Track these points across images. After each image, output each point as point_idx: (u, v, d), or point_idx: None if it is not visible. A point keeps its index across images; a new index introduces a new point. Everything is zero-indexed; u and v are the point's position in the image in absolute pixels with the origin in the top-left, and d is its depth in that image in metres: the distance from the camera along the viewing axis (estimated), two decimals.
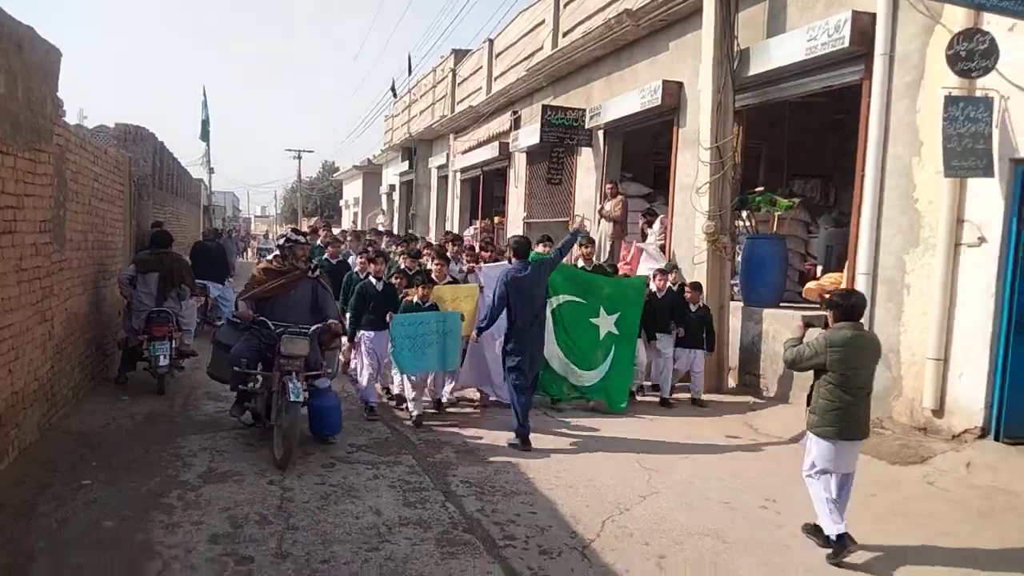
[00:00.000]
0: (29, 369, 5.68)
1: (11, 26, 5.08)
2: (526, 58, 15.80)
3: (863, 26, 7.22)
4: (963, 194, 6.37)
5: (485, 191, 19.25)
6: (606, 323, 7.99)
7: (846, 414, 4.37)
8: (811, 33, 7.76)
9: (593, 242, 9.19)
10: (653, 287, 8.40)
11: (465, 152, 19.71)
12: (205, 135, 28.59)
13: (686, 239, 9.82)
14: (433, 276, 7.71)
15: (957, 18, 6.22)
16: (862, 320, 4.63)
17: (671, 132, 10.69)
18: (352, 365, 8.09)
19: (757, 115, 9.98)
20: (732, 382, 9.02)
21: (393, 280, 7.72)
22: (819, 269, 10.47)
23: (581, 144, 13.10)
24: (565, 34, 13.98)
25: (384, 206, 31.87)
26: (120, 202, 9.12)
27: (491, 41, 19.07)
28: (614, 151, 12.69)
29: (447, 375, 7.70)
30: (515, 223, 16.38)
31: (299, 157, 52.38)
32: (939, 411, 6.46)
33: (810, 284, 9.64)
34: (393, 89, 26.63)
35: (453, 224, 21.59)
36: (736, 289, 9.36)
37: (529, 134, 14.20)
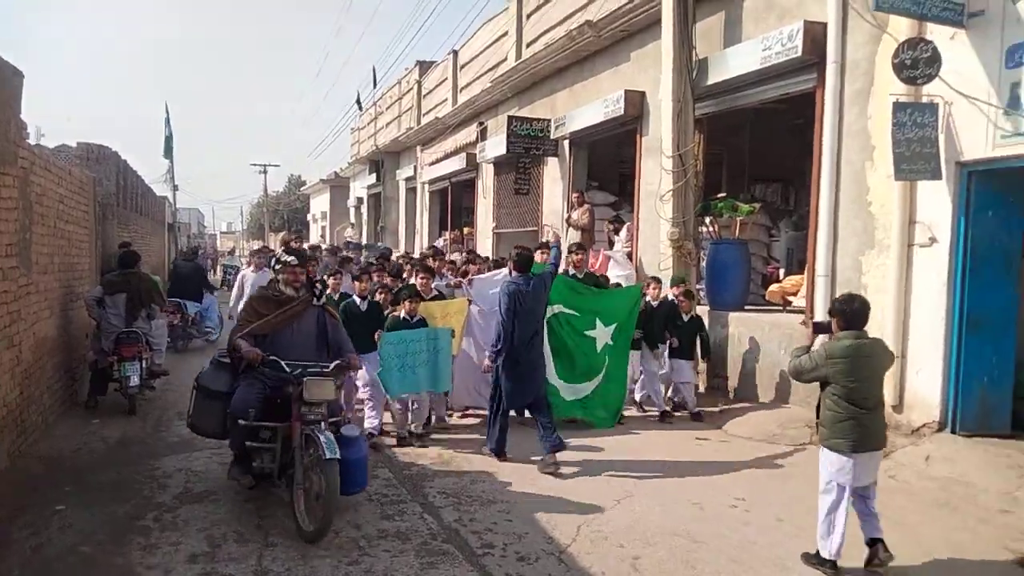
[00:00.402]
0: None
1: None
2: (491, 69, 15.92)
3: (815, 35, 7.46)
4: (914, 196, 6.61)
5: (454, 202, 19.27)
6: (603, 335, 7.78)
7: (857, 425, 4.19)
8: (766, 43, 7.99)
9: (585, 249, 9.02)
10: (648, 296, 8.27)
11: (433, 164, 19.73)
12: (168, 152, 28.16)
13: (652, 246, 10.00)
14: (419, 290, 7.43)
15: (902, 27, 6.47)
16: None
17: (635, 141, 10.85)
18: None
19: (718, 122, 10.19)
20: (701, 385, 9.18)
21: (378, 297, 7.43)
22: (782, 272, 10.75)
23: (547, 154, 13.26)
24: (528, 45, 14.15)
25: (352, 219, 31.74)
26: (85, 223, 9.05)
27: (455, 52, 19.13)
28: (580, 160, 12.84)
29: (434, 396, 7.37)
30: (484, 234, 16.47)
31: (265, 171, 51.88)
32: (899, 406, 6.68)
33: (772, 287, 9.90)
34: (359, 102, 26.65)
35: (423, 236, 21.58)
36: (702, 294, 9.56)
37: (495, 145, 14.27)
